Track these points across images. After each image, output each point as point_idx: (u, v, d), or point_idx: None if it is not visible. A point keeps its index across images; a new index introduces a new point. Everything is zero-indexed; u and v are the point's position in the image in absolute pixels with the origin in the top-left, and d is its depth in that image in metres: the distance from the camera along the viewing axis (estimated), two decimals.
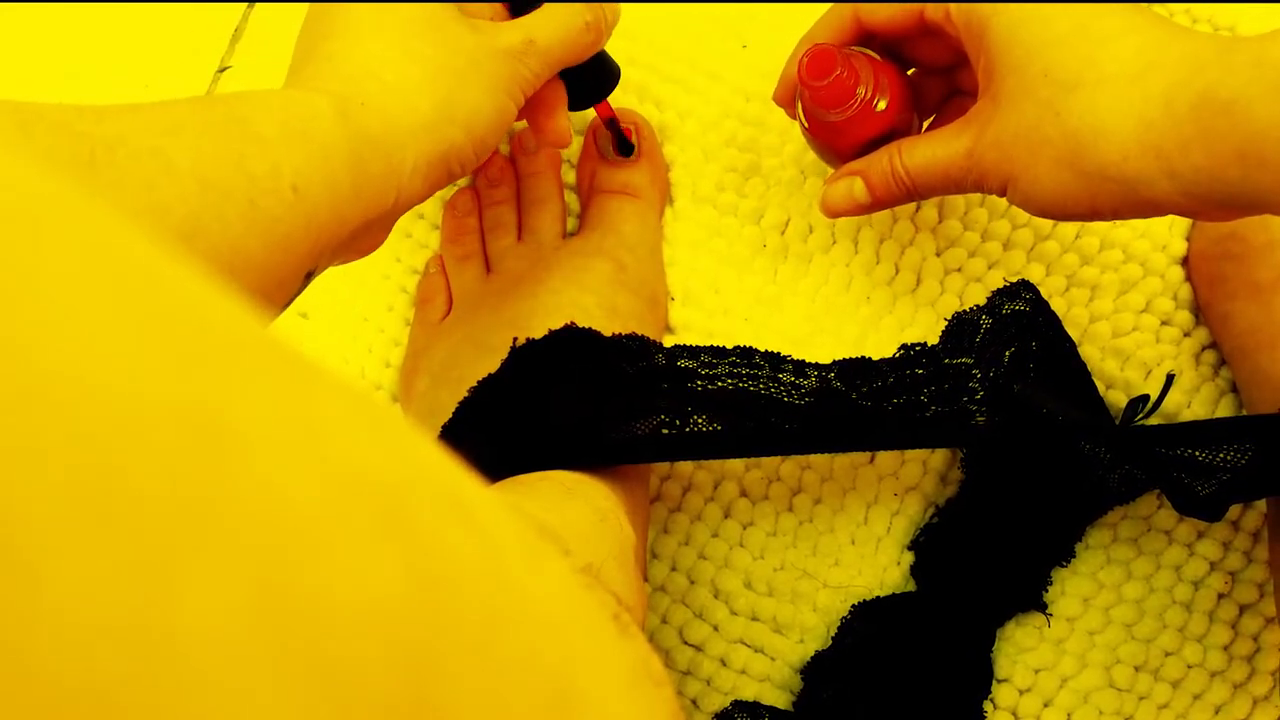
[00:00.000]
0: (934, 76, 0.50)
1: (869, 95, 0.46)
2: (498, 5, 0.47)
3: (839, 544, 0.57)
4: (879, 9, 0.46)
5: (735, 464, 0.57)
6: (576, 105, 0.52)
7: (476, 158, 0.44)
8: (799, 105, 0.48)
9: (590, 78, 0.51)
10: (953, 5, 0.43)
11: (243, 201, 0.34)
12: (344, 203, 0.38)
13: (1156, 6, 0.59)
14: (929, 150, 0.45)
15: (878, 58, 0.47)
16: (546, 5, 0.46)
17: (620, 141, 0.57)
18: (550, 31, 0.45)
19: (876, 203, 0.47)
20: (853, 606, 0.56)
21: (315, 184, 0.36)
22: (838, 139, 0.48)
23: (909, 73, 0.49)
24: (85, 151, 0.31)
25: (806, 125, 0.48)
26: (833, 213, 0.49)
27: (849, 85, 0.45)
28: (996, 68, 0.42)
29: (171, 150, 0.33)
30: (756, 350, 0.52)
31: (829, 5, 0.49)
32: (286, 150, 0.36)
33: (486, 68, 0.43)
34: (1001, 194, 0.44)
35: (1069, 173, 0.41)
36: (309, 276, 0.39)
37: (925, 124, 0.51)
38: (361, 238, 0.42)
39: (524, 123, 0.59)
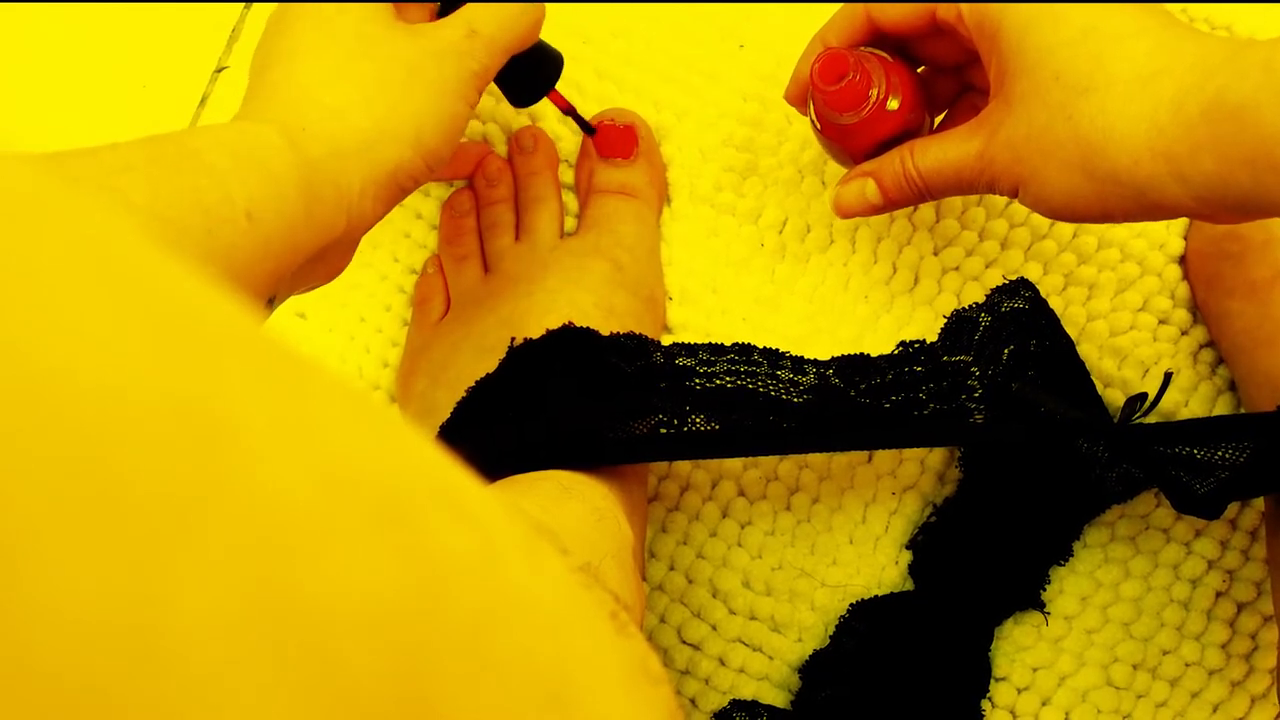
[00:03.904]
0: (945, 74, 0.50)
1: (881, 97, 0.46)
2: (428, 6, 0.46)
3: (837, 543, 0.57)
4: (891, 9, 0.46)
5: (733, 463, 0.57)
6: (526, 101, 0.51)
7: (429, 169, 0.43)
8: (810, 106, 0.48)
9: (533, 68, 0.50)
10: (965, 6, 0.43)
11: (200, 232, 0.34)
12: (298, 228, 0.38)
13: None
14: (941, 152, 0.45)
15: (889, 58, 0.47)
16: None
17: (585, 127, 0.56)
18: (490, 17, 0.44)
19: (889, 204, 0.47)
20: (851, 605, 0.56)
21: (269, 211, 0.37)
22: (850, 141, 0.48)
23: (919, 71, 0.49)
24: None
25: (818, 126, 0.48)
26: (845, 213, 0.49)
27: (862, 89, 0.45)
28: (1008, 69, 0.42)
29: (127, 187, 0.33)
30: (755, 347, 0.52)
31: (827, 5, 0.49)
32: (240, 180, 0.36)
33: (429, 74, 0.42)
34: (1013, 196, 0.44)
35: (1080, 176, 0.41)
36: (270, 304, 0.39)
37: (937, 121, 0.51)
38: (320, 264, 0.42)
39: (525, 121, 0.59)
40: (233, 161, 0.36)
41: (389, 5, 0.44)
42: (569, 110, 0.55)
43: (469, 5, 0.44)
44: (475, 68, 0.44)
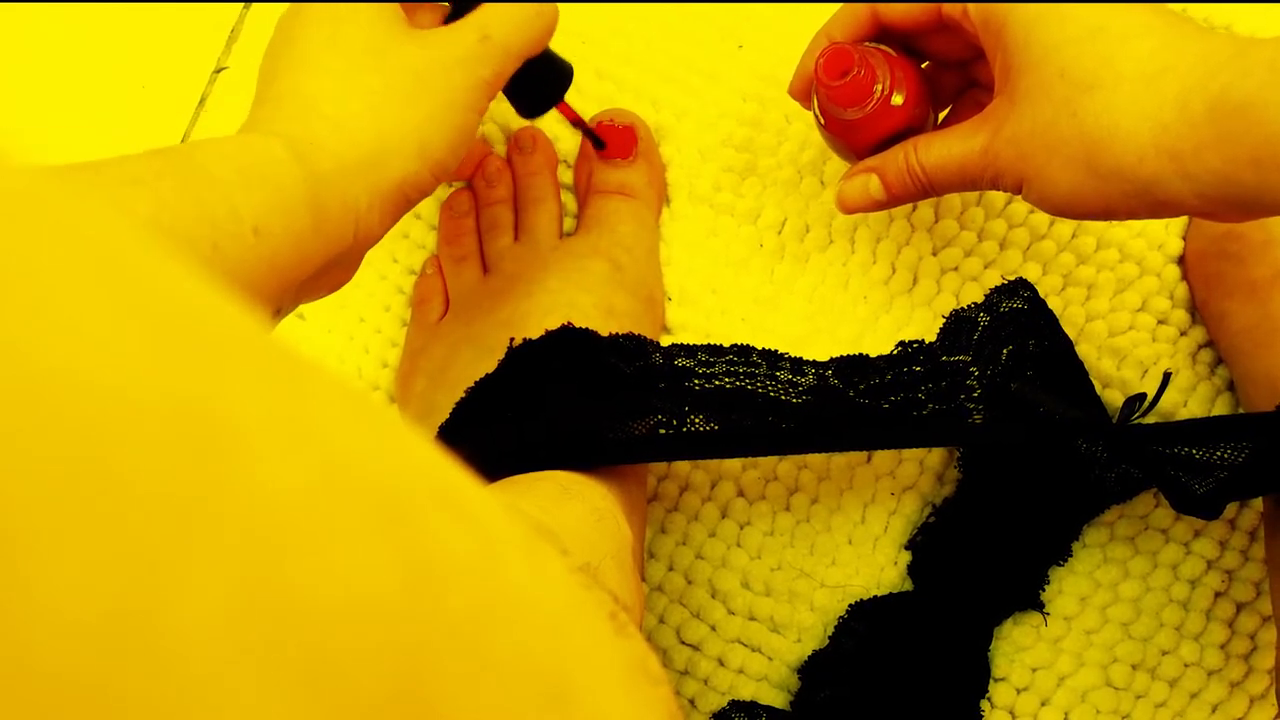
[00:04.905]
0: (949, 69, 0.50)
1: (885, 92, 0.46)
2: (439, 6, 0.45)
3: (836, 543, 0.57)
4: (896, 5, 0.46)
5: (732, 463, 0.57)
6: (535, 111, 0.51)
7: (435, 180, 0.43)
8: (814, 101, 0.48)
9: (542, 80, 0.49)
10: (970, 3, 0.43)
11: (206, 246, 0.34)
12: (305, 242, 0.38)
13: None
14: (945, 147, 0.45)
15: (893, 53, 0.47)
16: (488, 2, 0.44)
17: (594, 140, 0.56)
18: (504, 21, 0.44)
19: (892, 199, 0.47)
20: (850, 606, 0.56)
21: (276, 226, 0.36)
22: (854, 136, 0.48)
23: (923, 66, 0.49)
24: None
25: (822, 122, 0.48)
26: (848, 209, 0.49)
27: (866, 84, 0.45)
28: (1013, 66, 0.42)
29: (133, 200, 0.33)
30: (753, 348, 0.52)
31: (828, 5, 0.49)
32: (246, 194, 0.36)
33: (437, 85, 0.42)
34: (1016, 192, 0.44)
35: (1084, 173, 0.41)
36: (277, 315, 0.39)
37: (940, 116, 0.51)
38: (326, 275, 0.42)
39: (524, 121, 0.59)
40: (239, 176, 0.36)
41: (398, 6, 0.43)
42: (578, 122, 0.54)
43: (482, 9, 0.44)
44: (487, 75, 0.43)
